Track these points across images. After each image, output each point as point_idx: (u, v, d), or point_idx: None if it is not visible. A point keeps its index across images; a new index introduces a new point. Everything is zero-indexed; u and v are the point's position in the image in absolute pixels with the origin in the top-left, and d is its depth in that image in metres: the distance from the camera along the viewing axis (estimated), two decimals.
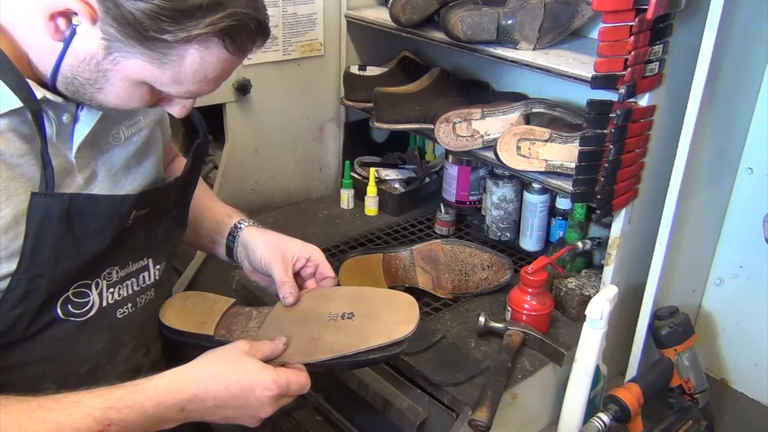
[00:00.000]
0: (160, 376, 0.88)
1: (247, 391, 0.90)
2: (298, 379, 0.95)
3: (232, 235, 1.18)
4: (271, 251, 1.13)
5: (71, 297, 0.91)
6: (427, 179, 1.95)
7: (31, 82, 0.83)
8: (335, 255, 1.66)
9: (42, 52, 0.82)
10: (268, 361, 0.96)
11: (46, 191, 0.84)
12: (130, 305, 1.00)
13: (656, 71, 1.19)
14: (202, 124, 1.10)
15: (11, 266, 0.83)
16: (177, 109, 0.91)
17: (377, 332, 1.02)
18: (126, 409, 0.83)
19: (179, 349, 1.10)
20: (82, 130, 0.91)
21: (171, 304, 1.11)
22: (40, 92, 0.84)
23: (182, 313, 1.10)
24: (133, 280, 1.00)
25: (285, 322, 1.08)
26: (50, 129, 0.87)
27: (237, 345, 0.95)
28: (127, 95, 0.84)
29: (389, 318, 1.05)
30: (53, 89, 0.85)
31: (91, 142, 0.93)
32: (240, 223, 1.19)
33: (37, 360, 0.91)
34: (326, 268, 1.16)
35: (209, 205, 1.23)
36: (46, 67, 0.83)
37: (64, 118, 0.89)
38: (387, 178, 1.94)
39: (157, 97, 0.88)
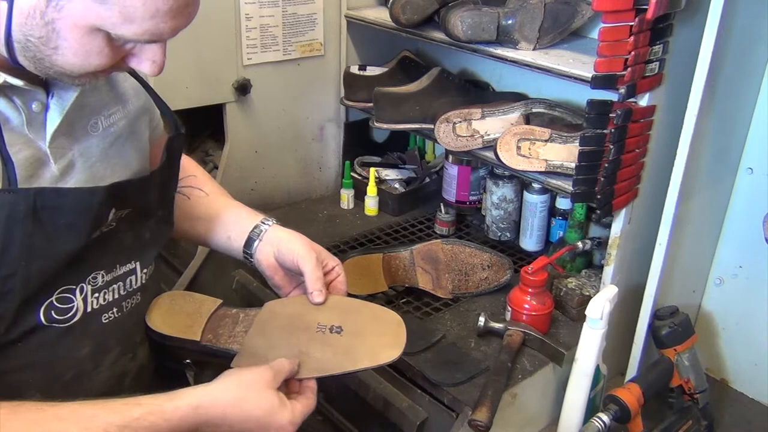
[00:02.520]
0: (180, 397, 0.86)
1: (263, 428, 0.90)
2: (309, 409, 0.95)
3: (258, 230, 1.15)
4: (305, 249, 1.11)
5: (54, 302, 0.89)
6: (427, 179, 1.95)
7: None
8: (335, 255, 1.65)
9: None
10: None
11: (9, 187, 0.81)
12: (115, 310, 0.97)
13: (656, 71, 1.19)
14: (173, 119, 1.07)
15: None
16: (147, 65, 0.85)
17: (364, 354, 1.02)
18: (143, 430, 0.81)
19: (166, 351, 1.09)
20: (54, 118, 0.88)
21: (157, 305, 1.09)
22: None
23: (168, 315, 1.08)
24: (120, 284, 0.98)
25: (271, 328, 1.07)
26: (19, 118, 0.85)
27: (262, 373, 0.93)
28: (83, 49, 0.79)
29: (377, 339, 1.04)
30: (16, 65, 0.81)
31: (66, 132, 0.90)
32: (266, 221, 1.17)
33: (21, 367, 0.89)
34: (343, 285, 1.15)
35: (230, 202, 1.22)
36: (0, 38, 0.79)
37: (33, 106, 0.86)
38: (387, 178, 1.94)
39: (119, 52, 0.83)
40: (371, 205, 1.88)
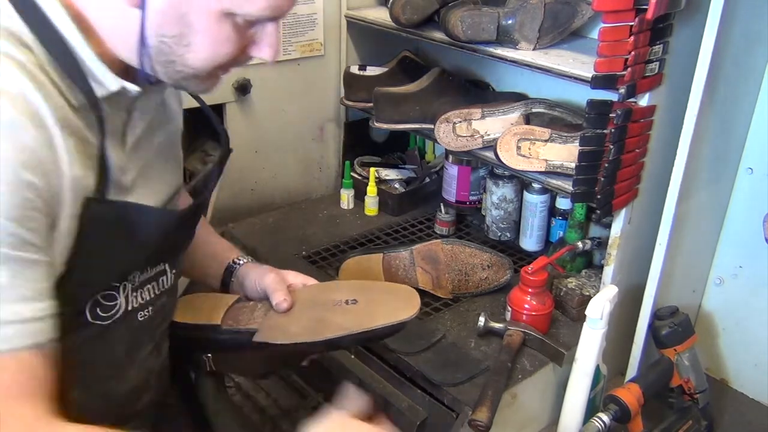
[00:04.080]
0: None
1: None
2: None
3: (229, 271, 1.18)
4: (265, 272, 1.14)
5: (100, 300, 0.90)
6: (427, 179, 1.95)
7: (109, 72, 0.81)
8: (335, 255, 1.66)
9: (125, 31, 0.80)
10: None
11: (101, 197, 0.83)
12: (150, 308, 0.99)
13: (656, 71, 1.19)
14: (225, 133, 1.10)
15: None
16: (267, 50, 0.88)
17: (382, 314, 1.06)
18: None
19: (187, 347, 1.12)
20: (135, 127, 0.91)
21: (178, 304, 1.12)
22: (117, 82, 0.82)
23: (189, 310, 1.13)
24: (154, 284, 0.99)
25: (291, 309, 1.10)
26: (113, 126, 0.86)
27: (337, 413, 0.88)
28: (215, 39, 0.81)
29: (392, 303, 1.09)
30: (143, 75, 0.84)
31: (137, 143, 0.93)
32: (238, 260, 1.19)
33: (66, 367, 0.87)
34: None
35: (207, 239, 1.23)
36: (132, 46, 0.80)
37: (122, 115, 0.88)
38: (387, 178, 1.93)
39: (243, 39, 0.85)
40: (371, 205, 1.88)
